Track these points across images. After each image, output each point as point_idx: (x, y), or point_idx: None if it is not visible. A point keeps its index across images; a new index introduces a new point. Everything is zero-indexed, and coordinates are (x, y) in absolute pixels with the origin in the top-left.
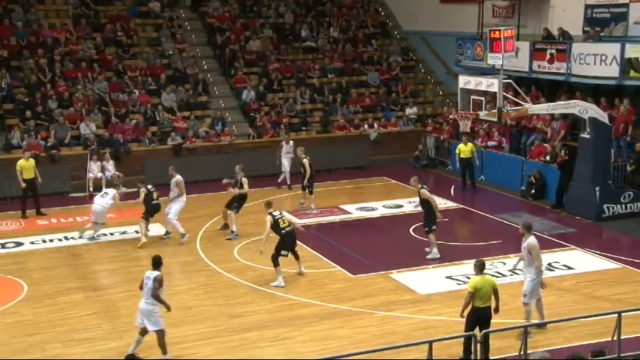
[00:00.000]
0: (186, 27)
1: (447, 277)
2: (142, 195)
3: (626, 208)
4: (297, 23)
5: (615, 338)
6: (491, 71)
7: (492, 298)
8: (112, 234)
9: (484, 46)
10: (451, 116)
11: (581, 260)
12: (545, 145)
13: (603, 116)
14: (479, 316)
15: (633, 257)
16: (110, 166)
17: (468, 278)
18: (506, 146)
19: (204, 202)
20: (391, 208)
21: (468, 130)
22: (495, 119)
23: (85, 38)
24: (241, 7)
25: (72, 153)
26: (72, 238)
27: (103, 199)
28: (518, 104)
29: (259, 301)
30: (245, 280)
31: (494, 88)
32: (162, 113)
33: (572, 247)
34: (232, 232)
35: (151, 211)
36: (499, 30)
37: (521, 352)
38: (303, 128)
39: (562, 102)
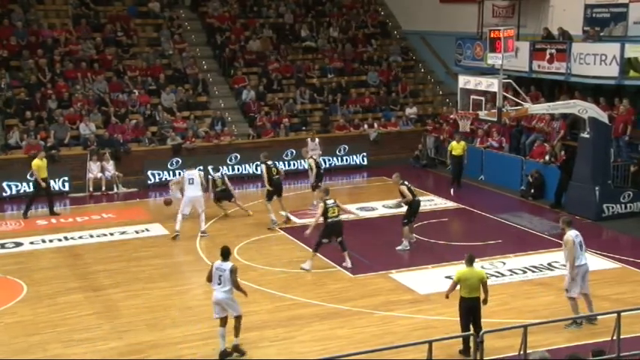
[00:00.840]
0: (186, 27)
1: (447, 277)
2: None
3: (625, 207)
4: (296, 23)
5: (615, 338)
6: (491, 71)
7: (481, 290)
8: (111, 234)
9: (484, 46)
10: (451, 116)
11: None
12: (546, 145)
13: (603, 116)
14: (466, 306)
15: (633, 257)
16: (110, 166)
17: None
18: (506, 146)
19: (204, 202)
20: (391, 208)
21: (468, 130)
22: (495, 119)
23: (84, 38)
24: (241, 7)
25: (72, 153)
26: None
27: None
28: (518, 104)
29: (259, 301)
30: (245, 280)
31: (494, 88)
32: (161, 113)
33: None
34: (272, 221)
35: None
36: (499, 30)
37: (521, 352)
38: (303, 128)
39: (562, 102)
